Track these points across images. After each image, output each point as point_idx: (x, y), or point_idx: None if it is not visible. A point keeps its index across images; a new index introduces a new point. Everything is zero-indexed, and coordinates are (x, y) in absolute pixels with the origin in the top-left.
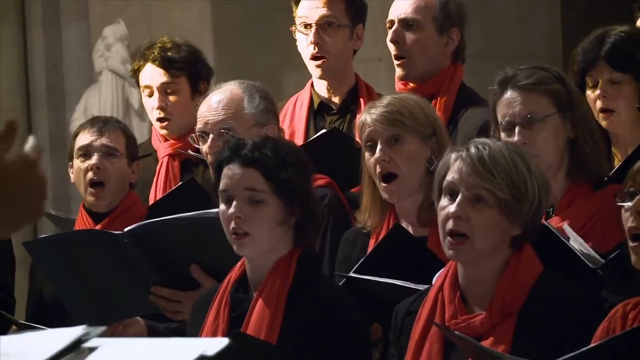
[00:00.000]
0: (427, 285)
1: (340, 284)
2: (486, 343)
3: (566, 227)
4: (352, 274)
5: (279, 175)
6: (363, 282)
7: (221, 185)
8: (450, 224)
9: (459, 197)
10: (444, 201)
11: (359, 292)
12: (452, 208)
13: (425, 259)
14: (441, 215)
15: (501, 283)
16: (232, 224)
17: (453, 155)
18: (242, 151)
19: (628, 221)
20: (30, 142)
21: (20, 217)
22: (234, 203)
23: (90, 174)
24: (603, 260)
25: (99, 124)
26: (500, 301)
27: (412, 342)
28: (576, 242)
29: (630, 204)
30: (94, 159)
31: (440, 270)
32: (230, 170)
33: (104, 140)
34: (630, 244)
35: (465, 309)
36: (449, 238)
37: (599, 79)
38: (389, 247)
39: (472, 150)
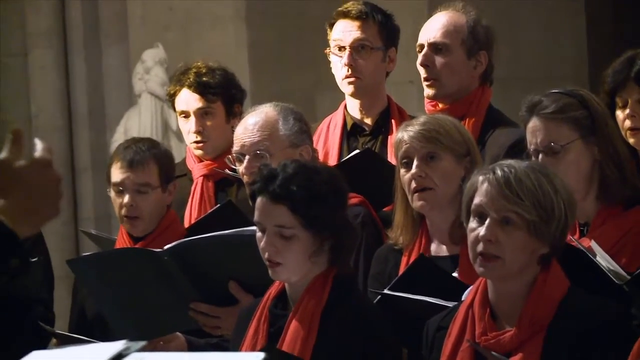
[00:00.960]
0: (457, 302)
1: (375, 301)
2: (515, 359)
3: (593, 244)
4: (386, 291)
5: (308, 211)
6: (396, 298)
7: (255, 216)
8: (480, 247)
9: (488, 220)
10: (473, 223)
11: (391, 311)
12: (482, 231)
13: (452, 287)
14: (471, 237)
15: (530, 299)
16: (266, 254)
17: (480, 178)
18: (272, 186)
19: None
20: (38, 145)
21: (39, 216)
22: (265, 236)
23: (124, 210)
24: (629, 277)
25: (130, 155)
26: (529, 317)
27: (444, 357)
28: (603, 259)
29: None
30: (126, 198)
31: (470, 287)
32: (261, 204)
33: (135, 178)
34: None
35: (494, 325)
36: (480, 257)
37: (628, 99)
38: (415, 276)
39: (499, 172)
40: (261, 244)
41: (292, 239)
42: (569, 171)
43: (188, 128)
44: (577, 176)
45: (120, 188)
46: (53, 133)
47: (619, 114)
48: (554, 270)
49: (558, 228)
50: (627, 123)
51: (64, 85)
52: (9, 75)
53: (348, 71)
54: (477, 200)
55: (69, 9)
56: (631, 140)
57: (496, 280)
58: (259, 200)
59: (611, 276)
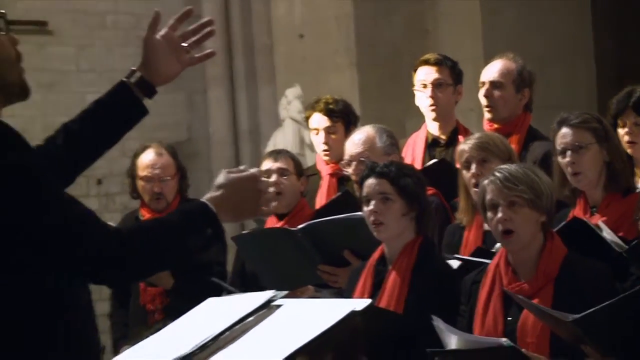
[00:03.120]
0: (487, 263)
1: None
2: (535, 301)
3: (600, 223)
4: (456, 256)
5: (401, 183)
6: (463, 259)
7: (363, 193)
8: (500, 227)
9: (500, 207)
10: (490, 214)
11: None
12: (498, 215)
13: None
14: (492, 223)
15: (542, 260)
16: (372, 217)
17: (486, 182)
18: (377, 169)
19: None
20: (255, 169)
21: (243, 215)
22: (372, 202)
23: (271, 189)
24: (627, 246)
25: (275, 153)
26: (542, 271)
27: (481, 302)
28: (608, 234)
29: None
30: (273, 178)
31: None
32: (369, 182)
33: (278, 164)
34: None
35: (515, 278)
36: (501, 235)
37: (627, 121)
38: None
39: (497, 174)
40: (368, 210)
41: (390, 202)
42: (588, 165)
43: (318, 141)
44: (594, 168)
45: (268, 173)
46: (224, 146)
47: (620, 132)
48: (556, 240)
49: (548, 201)
50: (626, 138)
51: (232, 113)
52: (194, 107)
53: (431, 101)
54: (488, 197)
55: (235, 60)
56: (629, 151)
57: (515, 251)
58: (367, 181)
59: (614, 246)
